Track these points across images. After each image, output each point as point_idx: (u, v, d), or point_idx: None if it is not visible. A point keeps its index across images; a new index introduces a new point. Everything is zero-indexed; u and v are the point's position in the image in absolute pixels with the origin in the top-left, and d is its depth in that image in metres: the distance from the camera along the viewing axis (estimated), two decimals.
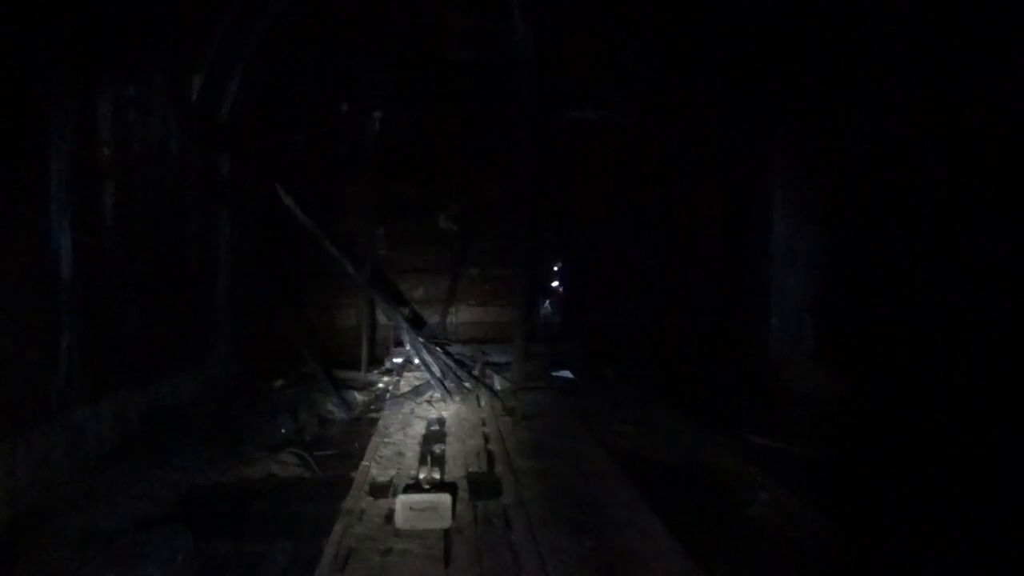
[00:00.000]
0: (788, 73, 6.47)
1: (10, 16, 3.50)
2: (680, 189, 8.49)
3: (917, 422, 4.92)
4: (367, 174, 7.64)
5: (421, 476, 4.30)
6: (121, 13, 4.49)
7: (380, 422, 5.73)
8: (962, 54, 4.62)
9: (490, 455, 4.90)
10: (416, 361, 7.48)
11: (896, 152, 5.23)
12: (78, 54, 4.18)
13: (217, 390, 6.33)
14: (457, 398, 6.62)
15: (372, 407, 6.47)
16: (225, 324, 6.85)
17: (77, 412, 4.28)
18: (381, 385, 7.26)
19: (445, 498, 3.44)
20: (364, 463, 4.47)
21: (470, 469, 4.57)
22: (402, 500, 3.42)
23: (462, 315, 8.96)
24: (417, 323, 8.38)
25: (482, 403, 6.47)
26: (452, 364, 7.39)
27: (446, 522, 3.39)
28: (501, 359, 7.94)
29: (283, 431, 5.42)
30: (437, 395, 6.69)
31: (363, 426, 5.93)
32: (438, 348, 7.75)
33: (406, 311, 8.04)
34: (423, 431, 5.58)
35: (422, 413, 6.15)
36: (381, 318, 8.28)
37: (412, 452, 4.92)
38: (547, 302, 11.46)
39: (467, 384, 7.00)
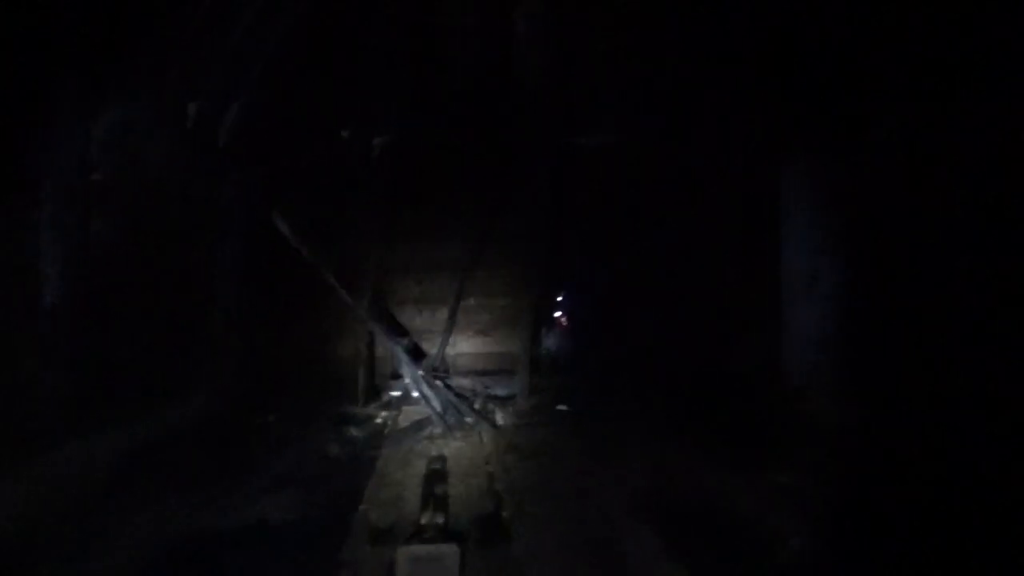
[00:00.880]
0: (807, 94, 6.30)
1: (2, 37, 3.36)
2: (691, 215, 8.32)
3: (951, 462, 4.67)
4: (369, 201, 7.48)
5: (423, 521, 4.05)
6: (118, 33, 4.36)
7: (378, 461, 5.47)
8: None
9: (497, 496, 4.65)
10: (416, 394, 7.23)
11: (929, 174, 5.04)
12: (72, 76, 4.03)
13: (210, 425, 6.06)
14: (459, 434, 6.36)
15: (370, 443, 6.19)
16: (221, 356, 6.61)
17: (58, 452, 4.03)
18: (380, 420, 6.99)
19: (452, 549, 3.18)
20: (362, 507, 4.21)
21: (475, 513, 4.31)
22: (404, 552, 3.16)
23: (463, 345, 8.72)
24: (417, 354, 8.13)
25: (485, 439, 6.21)
26: (453, 398, 7.14)
27: None
28: (504, 392, 7.70)
29: (277, 470, 5.15)
30: (438, 431, 6.43)
31: (361, 464, 5.65)
32: (438, 381, 7.51)
33: (406, 342, 7.80)
34: (424, 470, 5.31)
35: (422, 450, 5.88)
36: (380, 349, 8.03)
37: (413, 494, 4.65)
38: (551, 332, 11.21)
39: (469, 419, 6.75)
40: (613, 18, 7.52)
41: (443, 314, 8.57)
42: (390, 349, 7.60)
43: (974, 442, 4.52)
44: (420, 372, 7.37)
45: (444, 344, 8.50)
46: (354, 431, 6.63)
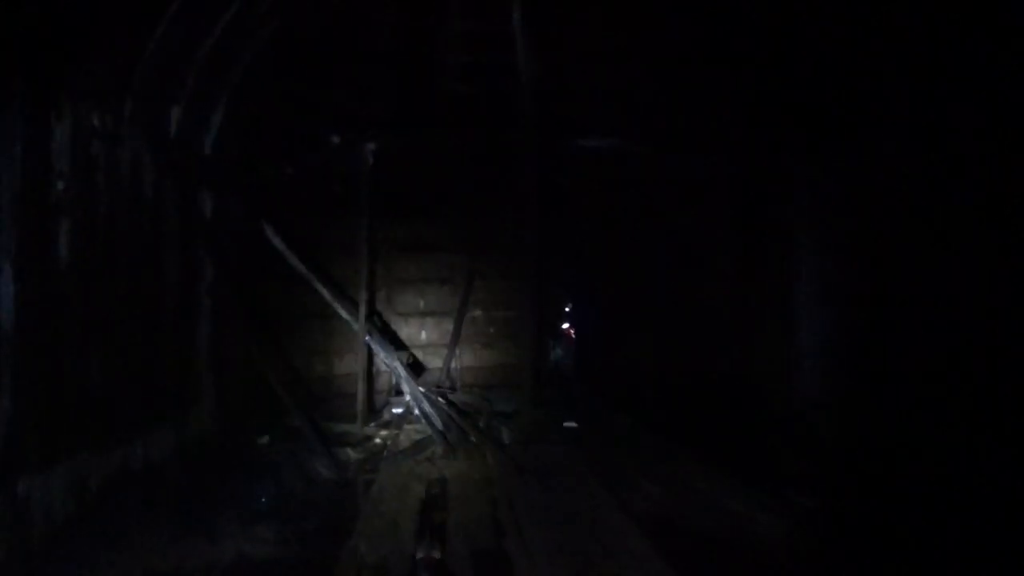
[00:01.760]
0: (815, 95, 5.99)
1: None
2: (697, 222, 7.96)
3: (974, 481, 4.26)
4: (362, 211, 7.16)
5: (419, 555, 3.70)
6: (86, 27, 4.05)
7: (374, 485, 5.11)
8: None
9: (499, 525, 4.28)
10: (417, 412, 6.88)
11: (947, 181, 4.69)
12: (28, 70, 3.72)
13: (195, 450, 5.71)
14: (461, 454, 6.00)
15: (367, 466, 5.83)
16: (206, 376, 6.26)
17: (21, 483, 3.70)
18: (379, 440, 6.62)
19: None
20: (352, 542, 3.84)
21: (475, 544, 3.95)
22: None
23: (466, 359, 8.38)
24: (418, 369, 7.79)
25: (488, 459, 5.83)
26: (455, 416, 6.78)
27: None
28: (508, 407, 7.33)
29: (263, 499, 4.79)
30: (439, 451, 6.07)
31: (356, 488, 5.30)
32: (440, 398, 7.16)
33: (406, 356, 7.45)
34: (422, 495, 4.95)
35: (422, 472, 5.52)
36: (380, 365, 7.68)
37: (409, 522, 4.29)
38: (558, 344, 10.85)
39: (472, 438, 6.38)
40: (613, 22, 7.21)
41: (447, 326, 8.23)
42: (388, 364, 7.25)
43: (987, 453, 4.14)
44: (420, 389, 7.01)
45: (449, 359, 8.15)
46: (351, 452, 6.28)
